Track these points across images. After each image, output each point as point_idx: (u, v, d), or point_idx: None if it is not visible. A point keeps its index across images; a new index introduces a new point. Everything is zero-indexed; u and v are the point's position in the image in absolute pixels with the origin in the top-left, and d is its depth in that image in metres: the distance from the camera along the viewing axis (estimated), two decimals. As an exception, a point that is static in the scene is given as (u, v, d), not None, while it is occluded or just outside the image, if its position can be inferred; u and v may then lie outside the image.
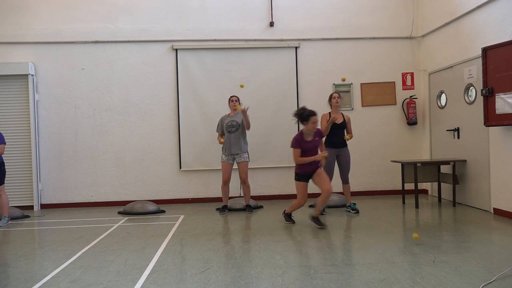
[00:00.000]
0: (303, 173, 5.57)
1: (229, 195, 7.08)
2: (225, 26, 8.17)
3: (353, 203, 6.58)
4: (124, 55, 8.09)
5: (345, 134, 6.54)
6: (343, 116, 6.53)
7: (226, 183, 6.86)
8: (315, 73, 8.29)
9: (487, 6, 6.24)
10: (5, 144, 6.38)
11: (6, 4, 7.92)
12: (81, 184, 8.00)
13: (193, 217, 6.57)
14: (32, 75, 7.77)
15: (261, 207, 7.29)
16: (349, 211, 6.55)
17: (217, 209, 7.13)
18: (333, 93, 6.61)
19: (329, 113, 6.54)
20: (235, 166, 6.90)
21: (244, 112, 6.54)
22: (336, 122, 6.41)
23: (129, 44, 8.09)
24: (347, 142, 6.55)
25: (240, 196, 7.50)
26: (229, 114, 6.92)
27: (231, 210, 7.03)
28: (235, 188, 7.64)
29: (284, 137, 8.13)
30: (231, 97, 6.95)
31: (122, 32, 8.07)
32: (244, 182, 6.84)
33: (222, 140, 6.80)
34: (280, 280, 3.52)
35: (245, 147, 6.85)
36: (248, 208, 6.90)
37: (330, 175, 6.39)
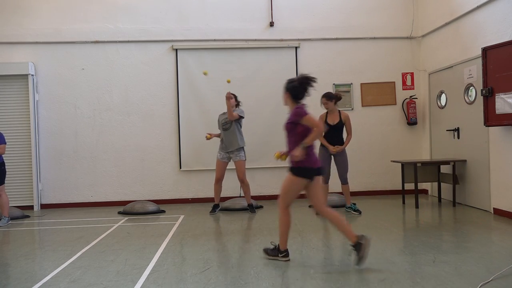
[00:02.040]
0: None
1: (229, 195, 7.07)
2: (225, 26, 8.16)
3: (353, 204, 6.57)
4: (124, 55, 8.09)
5: (343, 135, 6.46)
6: (340, 116, 6.38)
7: (218, 181, 6.77)
8: (315, 73, 8.00)
9: (487, 6, 6.23)
10: (5, 144, 6.39)
11: (6, 4, 7.91)
12: (81, 184, 8.00)
13: (193, 217, 6.57)
14: (32, 75, 7.76)
15: (261, 207, 7.28)
16: (350, 211, 6.52)
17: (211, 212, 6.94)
18: (321, 97, 6.38)
19: (326, 113, 6.44)
20: (231, 166, 6.85)
21: (227, 97, 6.32)
22: (331, 123, 6.34)
23: (129, 44, 8.09)
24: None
25: (240, 196, 7.50)
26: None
27: (231, 210, 7.01)
28: (235, 188, 7.61)
29: (284, 137, 8.13)
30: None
31: (122, 32, 8.07)
32: (242, 181, 6.77)
33: (208, 136, 6.68)
34: (280, 280, 3.52)
35: (241, 143, 6.68)
36: (250, 209, 6.84)
37: (327, 176, 6.39)
